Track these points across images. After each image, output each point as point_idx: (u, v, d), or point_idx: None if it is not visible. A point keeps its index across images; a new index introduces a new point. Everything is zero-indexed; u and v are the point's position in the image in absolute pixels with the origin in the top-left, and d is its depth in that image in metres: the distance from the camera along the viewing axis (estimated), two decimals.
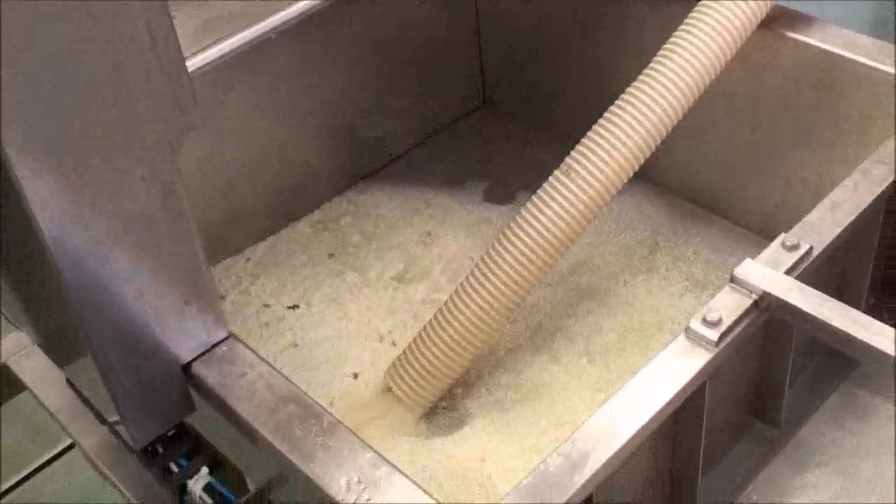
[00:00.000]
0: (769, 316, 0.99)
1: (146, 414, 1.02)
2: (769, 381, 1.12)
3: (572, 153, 1.18)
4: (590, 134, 1.18)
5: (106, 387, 0.96)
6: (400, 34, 1.59)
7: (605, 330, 1.37)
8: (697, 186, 1.51)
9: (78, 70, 0.79)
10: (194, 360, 1.01)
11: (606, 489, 0.89)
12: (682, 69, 1.15)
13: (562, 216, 1.16)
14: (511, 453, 1.23)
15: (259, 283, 1.49)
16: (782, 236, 1.02)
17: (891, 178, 1.08)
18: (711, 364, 0.94)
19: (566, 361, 1.33)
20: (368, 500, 0.87)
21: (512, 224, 1.20)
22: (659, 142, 1.17)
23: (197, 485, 1.21)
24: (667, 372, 0.93)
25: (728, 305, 0.97)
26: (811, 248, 1.01)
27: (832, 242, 1.03)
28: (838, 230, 1.04)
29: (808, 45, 1.27)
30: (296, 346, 1.40)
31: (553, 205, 1.17)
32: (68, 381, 1.29)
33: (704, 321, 0.95)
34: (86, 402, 1.27)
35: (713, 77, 1.17)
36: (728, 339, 0.95)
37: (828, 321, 0.93)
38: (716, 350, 0.94)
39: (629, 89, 1.17)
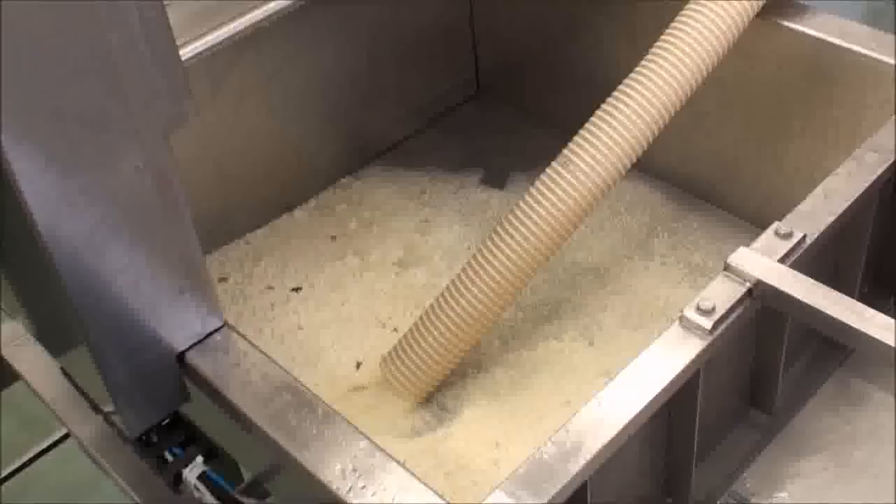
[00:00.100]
0: (763, 304, 0.99)
1: (141, 403, 1.02)
2: (763, 369, 1.12)
3: (570, 144, 1.17)
4: (588, 125, 1.17)
5: (101, 376, 0.96)
6: (394, 22, 1.59)
7: (604, 313, 1.38)
8: (692, 175, 1.51)
9: (71, 59, 0.79)
10: (189, 349, 1.01)
11: (601, 477, 0.89)
12: (680, 62, 1.15)
13: (559, 208, 1.16)
14: (506, 441, 1.23)
15: (262, 265, 1.50)
16: (776, 224, 1.02)
17: (884, 167, 1.08)
18: (706, 352, 0.94)
19: (565, 346, 1.34)
20: (363, 488, 0.87)
21: (507, 218, 1.19)
22: (657, 134, 1.17)
23: (192, 474, 1.21)
24: (661, 360, 0.93)
25: (722, 293, 0.97)
26: (804, 237, 1.01)
27: (826, 230, 1.03)
28: (831, 218, 1.04)
29: (802, 34, 1.27)
30: (300, 328, 1.41)
31: (551, 196, 1.16)
32: (63, 371, 1.29)
33: (698, 309, 0.95)
34: (81, 391, 1.27)
35: (711, 69, 1.17)
36: (722, 327, 0.95)
37: (821, 309, 0.94)
38: (710, 338, 0.94)
39: (627, 81, 1.17)
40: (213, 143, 1.41)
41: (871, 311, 0.92)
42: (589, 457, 0.86)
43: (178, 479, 1.23)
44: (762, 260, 0.98)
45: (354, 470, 0.88)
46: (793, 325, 1.07)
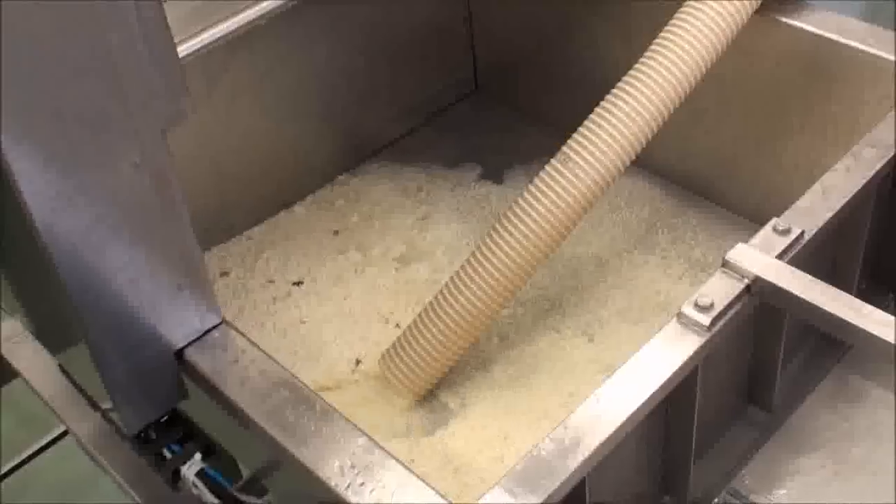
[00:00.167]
0: (761, 300, 0.99)
1: (139, 400, 1.02)
2: (762, 366, 1.12)
3: (569, 142, 1.17)
4: (587, 122, 1.17)
5: (99, 373, 0.96)
6: (391, 20, 1.59)
7: (605, 308, 1.38)
8: (691, 172, 1.51)
9: (71, 59, 0.79)
10: (187, 346, 1.01)
11: (599, 474, 0.89)
12: (679, 59, 1.15)
13: (558, 205, 1.16)
14: (507, 438, 1.23)
15: (263, 258, 1.50)
16: (774, 221, 1.02)
17: (882, 162, 1.08)
18: (704, 349, 0.94)
19: (565, 341, 1.34)
20: (361, 485, 0.87)
21: (506, 215, 1.19)
22: (656, 131, 1.17)
23: (190, 471, 1.21)
24: (659, 357, 0.93)
25: (720, 290, 0.97)
26: (803, 233, 1.01)
27: (824, 226, 1.03)
28: (830, 214, 1.04)
29: (800, 30, 1.27)
30: (302, 322, 1.41)
31: (550, 193, 1.16)
32: (61, 369, 1.29)
33: (696, 306, 0.95)
34: (79, 388, 1.27)
35: (710, 65, 1.17)
36: (720, 323, 0.95)
37: (819, 305, 0.94)
38: (708, 335, 0.94)
39: (626, 78, 1.17)
40: (210, 142, 1.41)
41: (869, 308, 0.92)
42: (587, 453, 0.86)
43: (176, 476, 1.23)
44: (760, 256, 0.98)
45: (353, 467, 0.88)
46: (791, 321, 1.07)
